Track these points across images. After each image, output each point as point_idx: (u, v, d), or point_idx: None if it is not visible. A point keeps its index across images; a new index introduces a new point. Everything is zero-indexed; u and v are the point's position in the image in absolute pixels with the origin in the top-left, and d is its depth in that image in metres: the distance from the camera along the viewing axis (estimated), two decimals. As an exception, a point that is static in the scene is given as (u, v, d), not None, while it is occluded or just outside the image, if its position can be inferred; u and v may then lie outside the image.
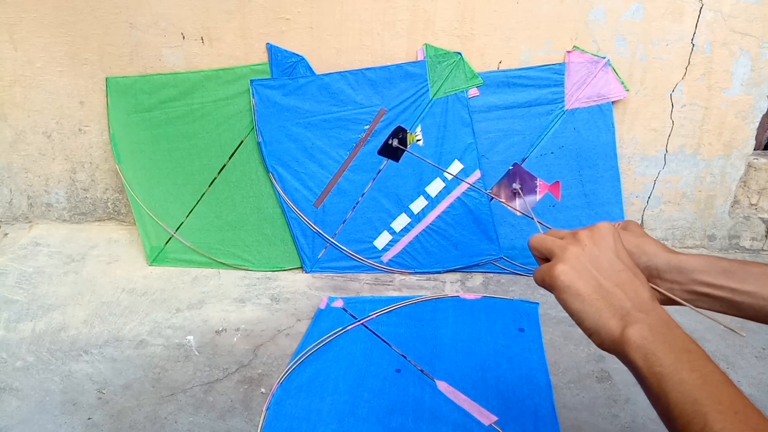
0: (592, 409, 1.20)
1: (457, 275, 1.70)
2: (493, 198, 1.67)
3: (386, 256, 1.71)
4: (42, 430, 1.18)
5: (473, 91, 1.63)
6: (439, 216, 1.67)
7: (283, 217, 1.74)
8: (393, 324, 1.46)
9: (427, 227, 1.68)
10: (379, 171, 1.67)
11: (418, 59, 1.64)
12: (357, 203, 1.69)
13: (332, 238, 1.71)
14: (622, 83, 1.62)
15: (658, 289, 0.62)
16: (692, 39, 1.58)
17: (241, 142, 1.72)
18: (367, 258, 1.71)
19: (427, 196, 1.67)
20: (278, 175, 1.69)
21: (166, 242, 1.79)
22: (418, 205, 1.68)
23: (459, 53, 1.61)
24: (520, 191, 1.67)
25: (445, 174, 1.64)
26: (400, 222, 1.69)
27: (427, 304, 1.55)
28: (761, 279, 0.60)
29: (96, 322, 1.52)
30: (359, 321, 1.47)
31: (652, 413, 1.17)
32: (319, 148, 1.67)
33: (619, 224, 0.68)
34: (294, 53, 1.67)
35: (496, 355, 1.34)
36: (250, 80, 1.66)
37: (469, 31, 1.62)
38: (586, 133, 1.64)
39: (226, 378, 1.32)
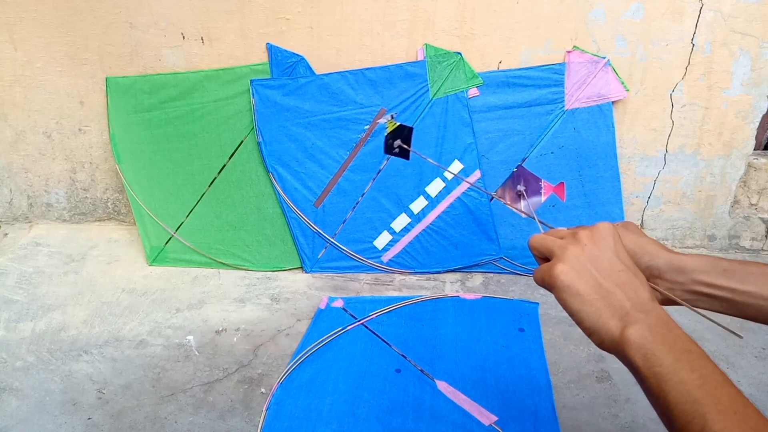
0: (592, 409, 1.20)
1: (457, 275, 1.70)
2: (493, 198, 1.67)
3: (386, 256, 1.71)
4: (42, 430, 1.18)
5: (473, 91, 1.63)
6: (439, 216, 1.67)
7: (283, 217, 1.74)
8: (393, 324, 1.46)
9: (427, 227, 1.68)
10: (379, 171, 1.67)
11: (418, 59, 1.64)
12: (357, 203, 1.69)
13: (332, 238, 1.71)
14: (622, 83, 1.62)
15: (658, 289, 0.62)
16: (692, 39, 1.58)
17: (241, 142, 1.72)
18: (367, 258, 1.71)
19: (427, 196, 1.67)
20: (278, 175, 1.69)
21: (166, 242, 1.79)
22: (418, 205, 1.68)
23: (459, 53, 1.61)
24: (524, 194, 1.67)
25: (446, 174, 1.64)
26: (400, 222, 1.69)
27: (427, 304, 1.55)
28: (761, 279, 0.60)
29: (96, 322, 1.52)
30: (359, 321, 1.47)
31: (652, 413, 1.17)
32: (319, 148, 1.67)
33: (618, 225, 0.68)
34: (294, 53, 1.67)
35: (496, 355, 1.34)
36: (250, 80, 1.66)
37: (469, 31, 1.62)
38: (586, 133, 1.64)
39: (226, 378, 1.32)
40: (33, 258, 1.85)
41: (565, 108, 1.63)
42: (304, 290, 1.65)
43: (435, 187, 1.66)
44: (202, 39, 1.70)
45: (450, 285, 1.66)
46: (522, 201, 1.69)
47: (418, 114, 1.63)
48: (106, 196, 1.98)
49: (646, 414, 1.18)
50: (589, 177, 1.67)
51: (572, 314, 0.55)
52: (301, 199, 1.70)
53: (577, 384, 1.27)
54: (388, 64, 1.63)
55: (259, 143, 1.68)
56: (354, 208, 1.70)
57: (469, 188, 1.65)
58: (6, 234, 2.00)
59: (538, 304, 1.54)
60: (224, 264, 1.77)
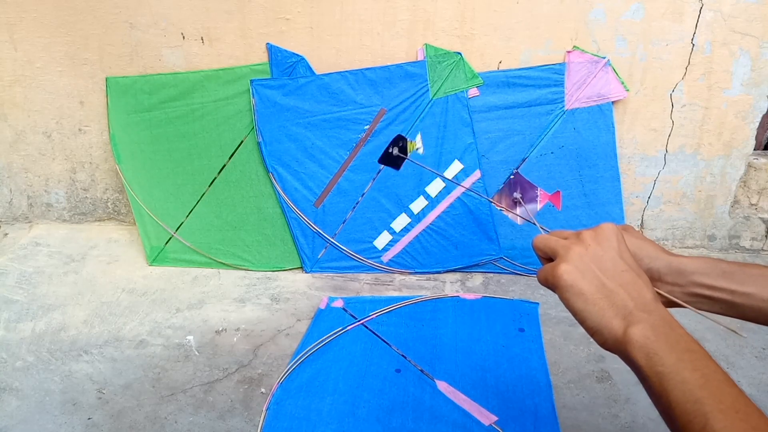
0: (592, 409, 1.21)
1: (457, 275, 1.70)
2: (492, 203, 1.67)
3: (386, 256, 1.71)
4: (42, 430, 1.18)
5: (473, 91, 1.63)
6: (439, 216, 1.67)
7: (283, 217, 1.74)
8: (393, 324, 1.46)
9: (427, 227, 1.68)
10: (379, 171, 1.67)
11: (418, 59, 1.64)
12: (357, 203, 1.69)
13: (332, 238, 1.71)
14: (622, 83, 1.62)
15: (659, 291, 0.62)
16: (692, 39, 1.58)
17: (241, 142, 1.72)
18: (367, 258, 1.71)
19: (427, 196, 1.67)
20: (278, 175, 1.69)
21: (166, 242, 1.79)
22: (418, 205, 1.68)
23: (459, 53, 1.61)
24: (521, 200, 1.68)
25: (439, 180, 1.64)
26: (400, 222, 1.69)
27: (427, 304, 1.55)
28: (760, 281, 0.60)
29: (96, 322, 1.52)
30: (359, 321, 1.47)
31: (652, 413, 1.17)
32: (319, 148, 1.67)
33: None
34: (294, 53, 1.67)
35: (496, 355, 1.34)
36: (250, 80, 1.66)
37: (469, 31, 1.62)
38: (586, 133, 1.65)
39: (226, 378, 1.32)
40: (33, 258, 1.85)
41: (565, 108, 1.63)
42: (304, 290, 1.65)
43: (435, 187, 1.66)
44: (202, 39, 1.70)
45: (450, 285, 1.66)
46: (519, 207, 1.69)
47: (418, 114, 1.63)
48: (106, 196, 1.98)
49: (646, 414, 1.19)
50: (589, 177, 1.67)
51: (575, 314, 0.55)
52: (301, 199, 1.70)
53: (577, 384, 1.27)
54: (388, 64, 1.63)
55: (259, 143, 1.68)
56: (354, 208, 1.70)
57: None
58: (6, 234, 2.00)
59: (538, 304, 1.54)
60: (224, 264, 1.77)
